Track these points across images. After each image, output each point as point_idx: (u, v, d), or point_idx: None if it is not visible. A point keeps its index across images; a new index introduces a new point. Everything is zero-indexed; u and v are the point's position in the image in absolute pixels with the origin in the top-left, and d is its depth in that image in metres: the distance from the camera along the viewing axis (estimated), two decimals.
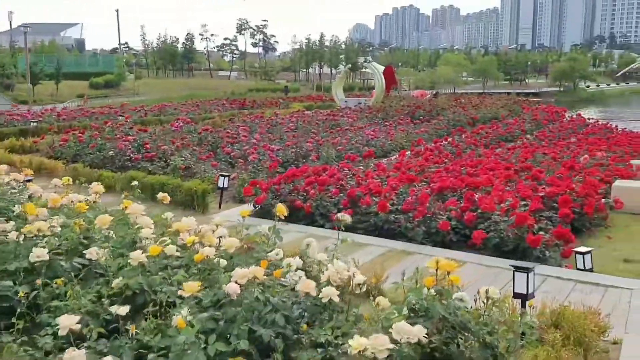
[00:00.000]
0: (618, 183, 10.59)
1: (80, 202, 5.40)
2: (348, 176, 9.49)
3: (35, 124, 18.49)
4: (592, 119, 28.33)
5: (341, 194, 8.18)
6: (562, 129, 23.13)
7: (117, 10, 79.77)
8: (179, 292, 3.44)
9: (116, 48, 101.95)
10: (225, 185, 8.89)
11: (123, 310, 3.16)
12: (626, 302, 5.36)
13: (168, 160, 11.04)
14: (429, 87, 67.32)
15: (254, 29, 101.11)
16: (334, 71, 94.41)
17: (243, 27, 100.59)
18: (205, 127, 14.64)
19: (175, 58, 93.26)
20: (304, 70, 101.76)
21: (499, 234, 6.77)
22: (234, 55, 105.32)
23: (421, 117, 20.83)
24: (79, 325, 3.09)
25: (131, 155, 11.52)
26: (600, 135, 21.47)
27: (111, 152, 11.60)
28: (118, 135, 12.76)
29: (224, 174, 9.06)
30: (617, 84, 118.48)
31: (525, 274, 4.35)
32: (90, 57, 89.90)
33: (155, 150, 11.69)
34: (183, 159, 10.89)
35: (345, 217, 4.89)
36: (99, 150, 11.95)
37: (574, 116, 28.23)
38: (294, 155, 12.06)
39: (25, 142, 14.68)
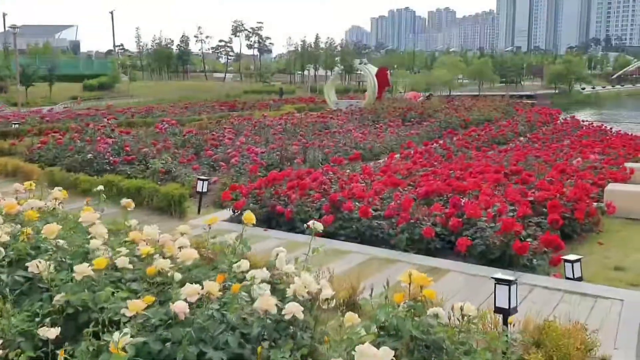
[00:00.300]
0: (611, 187, 10.33)
1: (40, 208, 5.09)
2: (332, 180, 9.20)
3: (17, 125, 18.11)
4: (587, 121, 28.13)
5: (323, 199, 7.88)
6: (555, 131, 22.91)
7: (111, 12, 79.48)
8: (122, 311, 3.12)
9: (111, 50, 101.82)
10: (205, 190, 8.57)
11: (52, 332, 2.84)
12: (616, 314, 5.07)
13: (148, 163, 10.72)
14: (425, 90, 67.16)
15: (249, 31, 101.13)
16: (329, 73, 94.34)
17: (238, 29, 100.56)
18: (190, 130, 14.30)
19: (170, 60, 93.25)
20: (299, 72, 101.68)
21: (484, 241, 6.47)
22: (229, 57, 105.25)
23: (413, 120, 20.56)
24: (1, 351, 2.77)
25: (110, 158, 11.18)
26: (594, 138, 21.23)
27: (90, 155, 11.25)
28: (98, 138, 12.41)
29: (202, 177, 8.74)
30: (612, 86, 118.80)
31: (507, 287, 4.05)
32: (84, 59, 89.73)
33: (136, 153, 11.36)
34: (163, 162, 10.56)
35: (317, 225, 4.58)
36: (77, 153, 11.60)
37: (568, 118, 28.03)
38: (278, 158, 11.73)
39: (3, 144, 14.31)
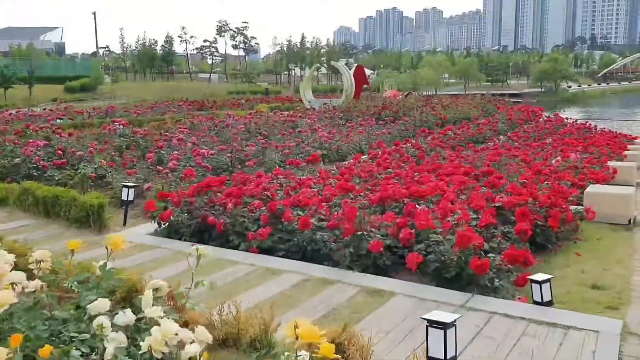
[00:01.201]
0: (591, 189, 9.41)
1: None
2: (283, 185, 8.20)
3: None
4: (570, 119, 27.34)
5: (263, 208, 6.87)
6: (537, 129, 22.07)
7: (94, 13, 78.15)
8: None
9: (96, 52, 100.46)
10: (131, 198, 7.54)
11: None
12: (590, 352, 4.11)
13: (78, 168, 9.65)
14: (411, 89, 66.38)
15: (234, 31, 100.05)
16: (315, 73, 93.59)
17: (223, 28, 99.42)
18: (138, 130, 13.19)
19: (154, 61, 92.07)
20: (285, 72, 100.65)
21: (439, 257, 5.49)
22: (214, 58, 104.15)
23: (387, 118, 19.57)
24: None
25: (40, 162, 10.09)
26: (577, 136, 20.41)
27: (17, 159, 10.17)
28: (30, 140, 11.30)
29: (129, 184, 7.70)
30: (598, 84, 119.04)
31: (442, 332, 3.08)
32: (66, 61, 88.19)
33: (69, 157, 10.29)
34: (95, 166, 9.51)
35: (203, 251, 3.55)
36: (4, 157, 10.48)
37: (552, 116, 27.20)
38: (229, 160, 10.68)
39: None
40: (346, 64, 37.79)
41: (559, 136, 20.66)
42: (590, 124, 24.73)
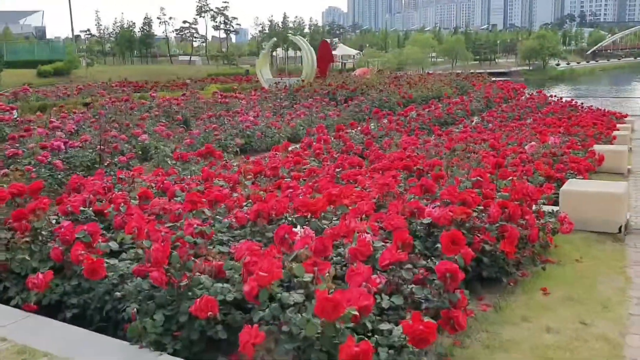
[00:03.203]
0: (569, 185, 7.12)
1: None
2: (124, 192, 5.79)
3: None
4: (555, 96, 25.02)
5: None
6: (518, 108, 19.77)
7: None
8: None
9: (78, 35, 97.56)
10: None
11: None
12: None
13: None
14: (397, 69, 63.89)
15: (214, 11, 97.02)
16: (298, 54, 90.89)
17: (203, 9, 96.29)
18: (3, 117, 10.63)
19: (132, 44, 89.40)
20: (269, 58, 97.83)
21: (293, 334, 3.17)
22: (194, 39, 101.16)
23: (341, 98, 17.07)
24: None
25: None
26: (560, 115, 18.15)
27: None
28: None
29: None
30: (587, 62, 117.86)
31: None
32: (40, 45, 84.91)
33: None
34: None
35: None
36: None
37: (534, 93, 24.83)
38: (97, 155, 8.14)
39: None
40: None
41: (541, 115, 18.40)
42: (576, 102, 22.46)
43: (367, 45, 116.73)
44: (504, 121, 16.34)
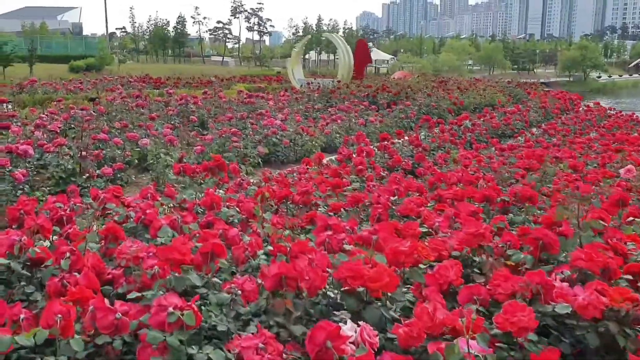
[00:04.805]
0: None
1: None
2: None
3: None
4: (614, 109, 22.72)
5: None
6: (577, 121, 17.60)
7: None
8: None
9: (113, 32, 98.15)
10: None
11: None
12: None
13: None
14: (434, 75, 61.86)
15: (249, 12, 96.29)
16: (331, 57, 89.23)
17: (237, 9, 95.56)
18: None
19: (166, 42, 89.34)
20: (301, 57, 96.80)
21: None
22: (227, 40, 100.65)
23: (383, 102, 15.04)
24: None
25: None
26: (626, 130, 15.96)
27: None
28: None
29: None
30: (629, 75, 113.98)
31: None
32: (74, 40, 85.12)
33: None
34: None
35: None
36: None
37: (591, 105, 22.54)
38: (76, 164, 6.25)
39: None
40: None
41: (604, 130, 16.22)
42: (637, 116, 20.18)
43: (402, 50, 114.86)
44: (567, 135, 14.25)
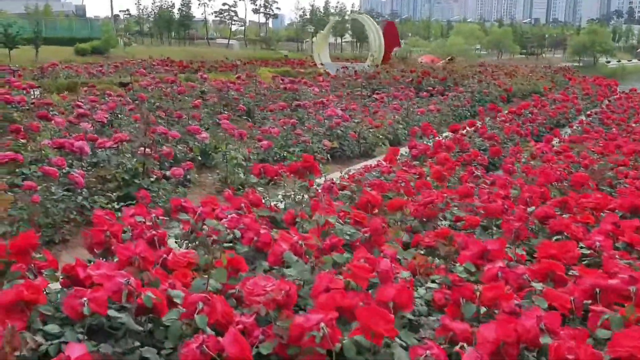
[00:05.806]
0: None
1: None
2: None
3: None
4: None
5: None
6: (623, 108, 16.70)
7: None
8: None
9: (117, 15, 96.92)
10: None
11: None
12: None
13: None
14: (448, 58, 60.73)
15: None
16: (339, 40, 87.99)
17: None
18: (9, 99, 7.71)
19: (171, 25, 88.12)
20: (307, 40, 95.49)
21: None
22: (233, 22, 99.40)
23: (431, 89, 14.04)
24: None
25: None
26: None
27: None
28: None
29: None
30: (638, 60, 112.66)
31: None
32: (80, 22, 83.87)
33: None
34: None
35: None
36: None
37: (627, 91, 21.60)
38: (139, 164, 5.14)
39: None
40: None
41: None
42: None
43: (410, 34, 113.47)
44: (621, 124, 13.36)
